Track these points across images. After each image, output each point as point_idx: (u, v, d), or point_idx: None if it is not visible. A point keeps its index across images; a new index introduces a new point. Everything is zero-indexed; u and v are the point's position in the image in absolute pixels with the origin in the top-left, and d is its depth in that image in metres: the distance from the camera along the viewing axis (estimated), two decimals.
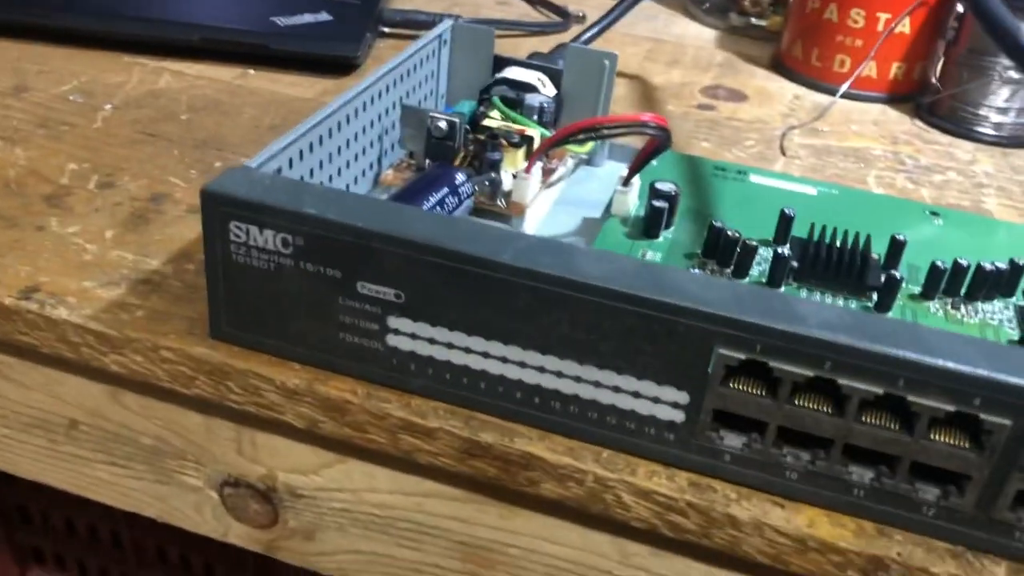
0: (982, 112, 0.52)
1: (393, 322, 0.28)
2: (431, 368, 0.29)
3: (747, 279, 0.34)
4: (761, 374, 0.26)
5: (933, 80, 0.55)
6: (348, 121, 0.36)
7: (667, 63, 0.60)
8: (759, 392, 0.26)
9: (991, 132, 0.52)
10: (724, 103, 0.54)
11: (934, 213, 0.40)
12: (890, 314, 0.32)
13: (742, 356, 0.25)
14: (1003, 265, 0.34)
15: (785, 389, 0.25)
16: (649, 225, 0.36)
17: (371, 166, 0.39)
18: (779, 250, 0.34)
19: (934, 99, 0.54)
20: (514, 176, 0.38)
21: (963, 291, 0.34)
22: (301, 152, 0.33)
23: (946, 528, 0.26)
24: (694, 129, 0.50)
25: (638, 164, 0.37)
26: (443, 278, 0.27)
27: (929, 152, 0.50)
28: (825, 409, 0.26)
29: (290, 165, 0.32)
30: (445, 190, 0.34)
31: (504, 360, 0.28)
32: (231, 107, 0.48)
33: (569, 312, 0.26)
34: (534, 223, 0.38)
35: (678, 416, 0.27)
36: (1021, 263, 0.34)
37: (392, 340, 0.29)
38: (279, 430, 0.32)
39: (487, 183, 0.37)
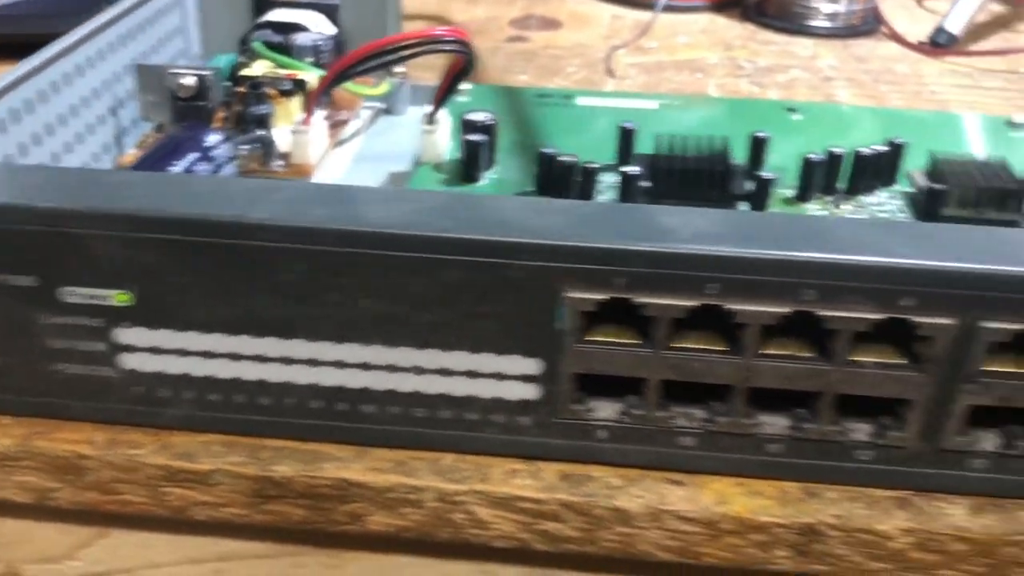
0: (814, 4, 0.48)
1: (123, 335, 0.20)
2: (189, 389, 0.21)
3: None
4: (629, 316, 0.19)
5: None
6: (58, 89, 0.27)
7: (468, 0, 0.53)
8: (630, 341, 0.19)
9: (826, 24, 0.48)
10: (537, 33, 0.48)
11: (791, 109, 0.35)
12: None
13: (600, 296, 0.19)
14: (882, 148, 0.29)
15: (662, 330, 0.19)
16: (468, 166, 0.29)
17: (106, 148, 0.31)
18: (625, 169, 0.28)
19: None
20: (293, 132, 0.30)
21: (844, 185, 0.29)
22: None
23: (887, 472, 0.20)
24: (508, 64, 0.43)
25: (442, 93, 0.30)
26: (181, 261, 0.19)
27: (767, 53, 0.46)
28: (717, 347, 0.19)
29: None
30: (192, 156, 0.26)
31: (287, 361, 0.20)
32: None
33: (363, 278, 0.19)
34: None
35: (531, 392, 0.20)
36: (900, 142, 0.29)
37: (127, 360, 0.21)
38: (2, 511, 0.23)
39: (256, 143, 0.29)
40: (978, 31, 0.47)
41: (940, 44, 0.45)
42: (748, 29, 0.49)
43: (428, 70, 0.41)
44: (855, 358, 0.19)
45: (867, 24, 0.48)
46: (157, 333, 0.20)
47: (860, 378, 0.19)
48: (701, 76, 0.42)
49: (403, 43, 0.28)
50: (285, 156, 0.30)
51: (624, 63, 0.44)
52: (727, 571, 0.21)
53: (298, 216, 0.19)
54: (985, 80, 0.43)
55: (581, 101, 0.36)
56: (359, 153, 0.33)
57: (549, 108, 0.35)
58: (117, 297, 0.20)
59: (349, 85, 0.32)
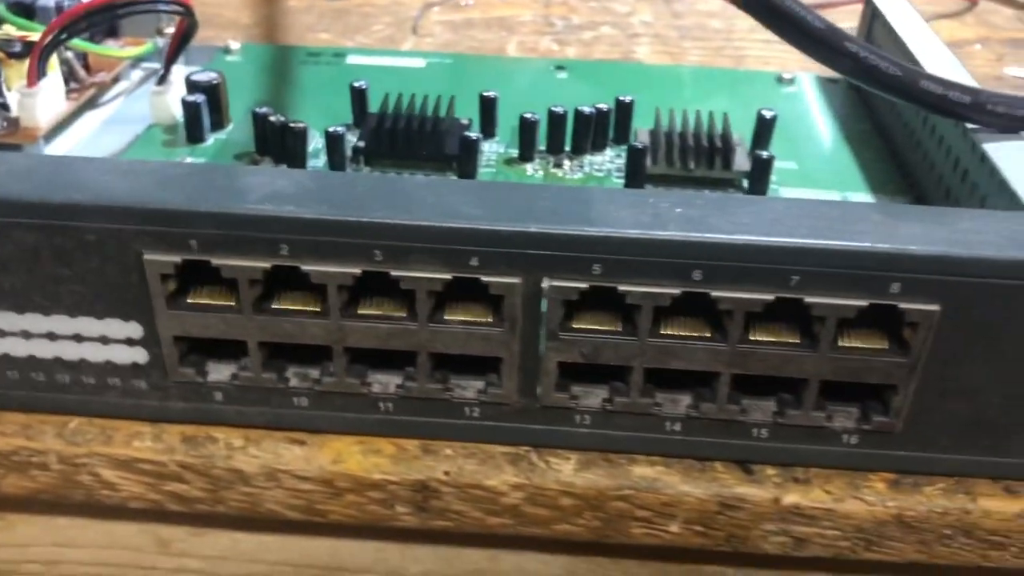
0: None
1: None
2: None
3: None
4: (216, 278, 0.19)
5: None
6: None
7: None
8: (223, 303, 0.19)
9: None
10: None
11: (559, 67, 0.35)
12: None
13: (174, 259, 0.19)
14: (606, 106, 0.29)
15: (248, 292, 0.19)
16: (189, 127, 0.29)
17: None
18: (331, 129, 0.28)
19: None
20: (20, 95, 0.30)
21: (568, 145, 0.29)
22: None
23: (498, 428, 0.20)
24: (315, 21, 0.43)
25: (171, 54, 0.30)
26: None
27: (585, 10, 0.45)
28: (309, 309, 0.19)
29: None
30: None
31: None
32: None
33: None
34: (64, 150, 0.30)
35: (140, 355, 0.20)
36: (628, 100, 0.29)
37: None
38: None
39: None
40: None
41: None
42: None
43: (213, 28, 0.40)
44: (445, 317, 0.19)
45: None
46: None
47: (447, 337, 0.19)
48: (506, 34, 0.42)
49: (117, 2, 0.28)
50: (14, 120, 0.30)
51: (433, 21, 0.43)
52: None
53: None
54: None
55: (352, 60, 0.35)
56: (115, 116, 0.33)
57: (316, 67, 0.35)
58: None
59: (90, 45, 0.32)
